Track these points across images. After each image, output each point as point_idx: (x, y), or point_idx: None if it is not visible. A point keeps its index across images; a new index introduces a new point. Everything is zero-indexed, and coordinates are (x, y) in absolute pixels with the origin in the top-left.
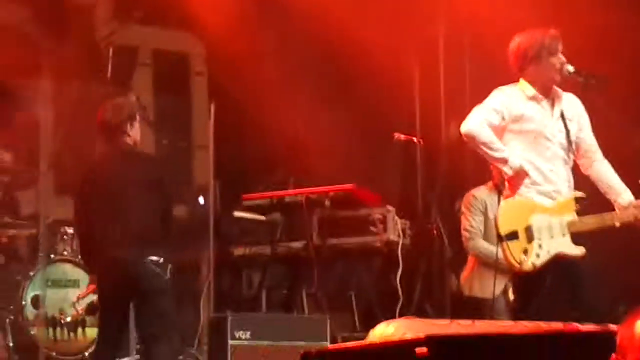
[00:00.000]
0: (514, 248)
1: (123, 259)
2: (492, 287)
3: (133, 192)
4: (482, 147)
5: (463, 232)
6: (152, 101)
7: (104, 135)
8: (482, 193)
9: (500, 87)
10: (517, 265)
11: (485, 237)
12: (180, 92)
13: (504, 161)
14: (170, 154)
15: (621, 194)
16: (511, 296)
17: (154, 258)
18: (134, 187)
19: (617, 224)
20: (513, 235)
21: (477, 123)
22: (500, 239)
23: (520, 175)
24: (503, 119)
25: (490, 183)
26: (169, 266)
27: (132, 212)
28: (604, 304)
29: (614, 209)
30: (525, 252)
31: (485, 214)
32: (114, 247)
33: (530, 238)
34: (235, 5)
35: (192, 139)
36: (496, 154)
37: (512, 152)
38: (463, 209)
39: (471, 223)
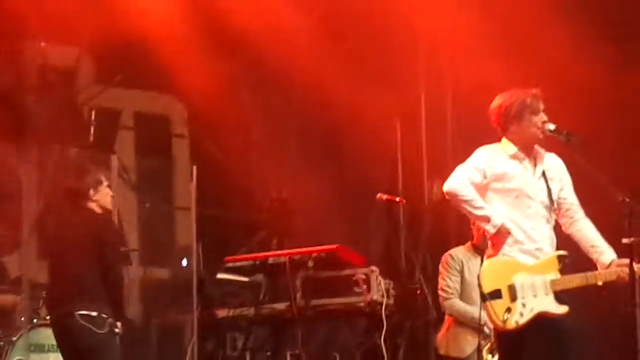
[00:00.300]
0: (498, 307)
1: (55, 316)
2: (466, 345)
3: (70, 251)
4: (464, 204)
5: (440, 292)
6: (134, 164)
7: (68, 200)
8: (459, 253)
9: (482, 147)
10: (500, 324)
11: (462, 297)
12: (161, 154)
13: (487, 219)
14: (153, 216)
15: (603, 253)
16: (485, 356)
17: (83, 312)
18: (72, 245)
19: (600, 283)
20: (496, 294)
21: (459, 181)
22: (483, 297)
23: (503, 233)
24: (485, 177)
25: (468, 244)
26: (108, 321)
27: (67, 270)
28: None
29: (596, 267)
30: (509, 310)
31: (462, 273)
32: (50, 305)
33: (513, 297)
34: (217, 67)
35: (174, 200)
36: (478, 212)
37: (494, 211)
38: (440, 269)
39: (448, 283)
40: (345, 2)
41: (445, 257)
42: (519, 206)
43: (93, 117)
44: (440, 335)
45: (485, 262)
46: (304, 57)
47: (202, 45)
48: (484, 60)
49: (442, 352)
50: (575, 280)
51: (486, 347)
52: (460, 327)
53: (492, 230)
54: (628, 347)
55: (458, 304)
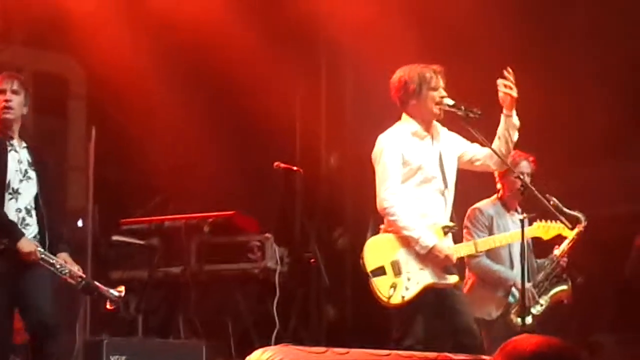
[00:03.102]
0: (381, 284)
1: None
2: (492, 308)
3: None
4: (395, 223)
5: None
6: (31, 123)
7: None
8: (488, 207)
9: (384, 135)
10: (385, 300)
11: (489, 255)
12: (58, 115)
13: (415, 241)
14: None
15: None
16: (513, 318)
17: None
18: None
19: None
20: (380, 271)
21: (386, 202)
22: (366, 275)
23: (434, 254)
24: (403, 164)
25: (494, 197)
26: None
27: None
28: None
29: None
30: (394, 286)
31: (490, 229)
32: None
33: (397, 272)
34: (117, 30)
35: (69, 161)
36: (407, 233)
37: (423, 232)
38: (467, 223)
39: (475, 239)
40: None
41: (473, 211)
42: (417, 181)
43: None
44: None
45: (369, 240)
46: (209, 23)
47: (105, 8)
48: (385, 30)
49: None
50: (463, 249)
51: (514, 310)
52: (485, 289)
53: (422, 252)
54: None
55: (485, 262)
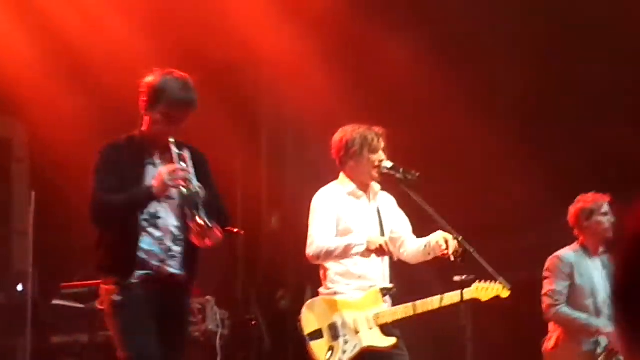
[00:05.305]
0: (318, 347)
1: None
2: None
3: None
4: (332, 255)
5: (544, 298)
6: None
7: None
8: (569, 255)
9: (319, 193)
10: None
11: (570, 304)
12: (1, 179)
13: (350, 247)
14: None
15: (427, 239)
16: None
17: None
18: None
19: (425, 310)
20: (317, 335)
21: (315, 246)
22: (304, 339)
23: (381, 249)
24: (337, 220)
25: (575, 245)
26: None
27: None
28: None
29: (429, 296)
30: (332, 349)
31: (571, 278)
32: None
33: (335, 336)
34: (60, 93)
35: (12, 225)
36: (341, 244)
37: (353, 236)
38: (547, 272)
39: (555, 288)
40: (190, 37)
41: (553, 259)
42: None
43: None
44: (549, 348)
45: (306, 303)
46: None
47: (46, 70)
48: (325, 93)
49: None
50: (399, 311)
51: (601, 357)
52: (572, 342)
53: (364, 255)
54: None
55: (563, 309)
